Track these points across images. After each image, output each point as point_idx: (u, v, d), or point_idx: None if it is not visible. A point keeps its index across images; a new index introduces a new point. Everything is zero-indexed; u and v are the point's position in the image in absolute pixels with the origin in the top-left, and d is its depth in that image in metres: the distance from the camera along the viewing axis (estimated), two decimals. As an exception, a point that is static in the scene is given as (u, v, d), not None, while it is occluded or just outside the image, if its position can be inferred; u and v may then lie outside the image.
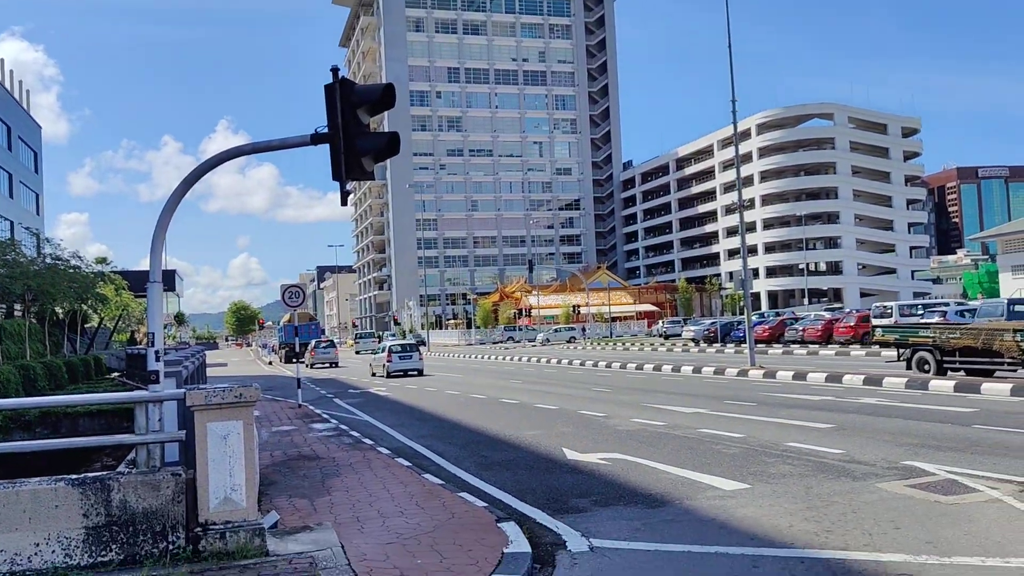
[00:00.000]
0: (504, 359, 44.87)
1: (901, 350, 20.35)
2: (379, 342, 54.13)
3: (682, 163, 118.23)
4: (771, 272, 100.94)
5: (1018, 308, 30.94)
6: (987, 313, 31.49)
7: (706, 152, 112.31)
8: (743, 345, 42.07)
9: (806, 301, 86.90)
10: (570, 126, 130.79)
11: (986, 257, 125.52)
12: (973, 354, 17.97)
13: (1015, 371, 17.54)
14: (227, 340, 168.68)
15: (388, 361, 33.52)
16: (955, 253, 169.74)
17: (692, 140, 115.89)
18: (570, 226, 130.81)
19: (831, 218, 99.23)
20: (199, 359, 18.46)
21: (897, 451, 10.06)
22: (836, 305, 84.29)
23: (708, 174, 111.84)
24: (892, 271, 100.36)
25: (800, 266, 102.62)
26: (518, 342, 74.39)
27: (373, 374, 35.20)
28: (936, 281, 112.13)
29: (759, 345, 43.04)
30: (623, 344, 53.72)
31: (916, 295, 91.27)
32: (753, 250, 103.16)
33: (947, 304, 36.15)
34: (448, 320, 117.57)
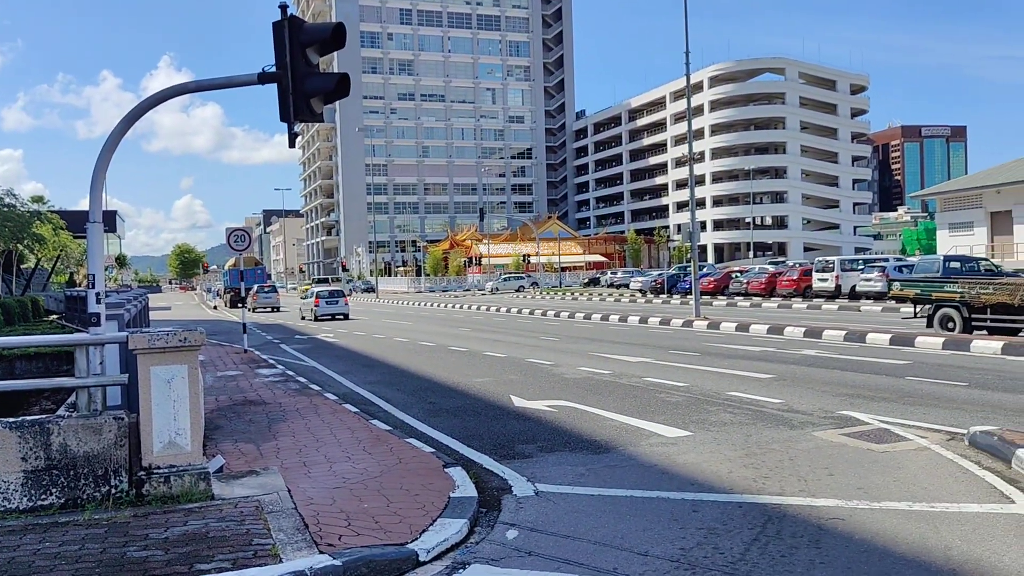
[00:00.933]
0: (454, 307, 44.91)
1: (919, 306, 19.17)
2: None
3: (634, 114, 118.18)
4: (718, 225, 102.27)
5: (952, 264, 31.94)
6: (923, 269, 32.38)
7: (658, 104, 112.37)
8: (689, 296, 42.71)
9: (751, 255, 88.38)
10: (524, 73, 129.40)
11: (926, 215, 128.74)
12: (1009, 312, 16.50)
13: None
14: (171, 284, 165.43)
15: (316, 305, 36.32)
16: (896, 210, 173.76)
17: (645, 91, 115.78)
18: (522, 175, 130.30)
19: (779, 173, 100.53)
20: (142, 302, 18.07)
21: (833, 401, 10.40)
22: (780, 259, 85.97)
23: (660, 126, 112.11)
24: (835, 227, 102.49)
25: (747, 220, 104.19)
26: (467, 290, 74.48)
27: (303, 318, 37.72)
28: (877, 237, 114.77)
29: (705, 297, 43.75)
30: (572, 294, 54.12)
31: (857, 250, 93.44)
32: (701, 203, 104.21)
33: (887, 260, 37.09)
34: (398, 267, 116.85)
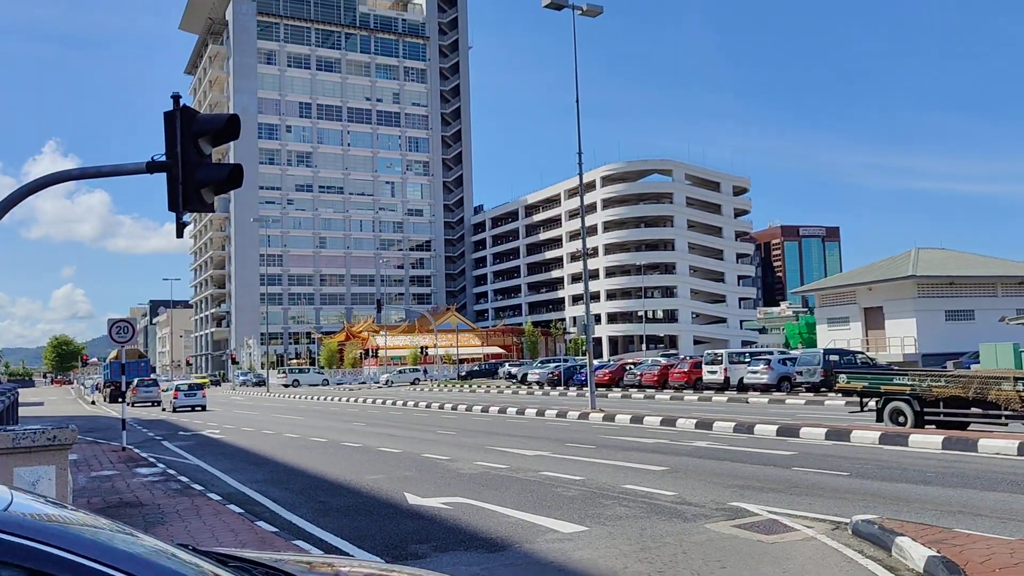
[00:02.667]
0: (348, 400, 43.86)
1: (867, 399, 18.47)
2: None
3: (531, 210, 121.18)
4: (612, 318, 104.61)
5: (832, 357, 33.53)
6: (806, 362, 33.93)
7: (554, 201, 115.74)
8: (585, 388, 43.17)
9: (643, 347, 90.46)
10: (423, 168, 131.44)
11: (806, 310, 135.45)
12: (962, 405, 16.26)
13: (1006, 424, 16.00)
14: (45, 377, 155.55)
15: (175, 398, 37.74)
16: (779, 305, 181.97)
17: (541, 188, 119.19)
18: (421, 267, 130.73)
19: (669, 268, 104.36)
20: (9, 397, 16.90)
21: (725, 492, 10.56)
22: (671, 351, 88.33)
23: (555, 222, 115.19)
24: (723, 320, 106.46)
25: (639, 313, 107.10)
26: (363, 383, 73.27)
27: (163, 409, 39.57)
28: (762, 331, 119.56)
29: (600, 389, 44.33)
30: (469, 386, 53.83)
31: (744, 343, 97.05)
32: (596, 297, 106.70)
33: (771, 352, 38.62)
34: (291, 359, 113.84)
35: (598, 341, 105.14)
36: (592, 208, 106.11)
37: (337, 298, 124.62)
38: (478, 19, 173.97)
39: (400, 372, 72.19)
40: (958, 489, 10.45)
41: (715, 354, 37.81)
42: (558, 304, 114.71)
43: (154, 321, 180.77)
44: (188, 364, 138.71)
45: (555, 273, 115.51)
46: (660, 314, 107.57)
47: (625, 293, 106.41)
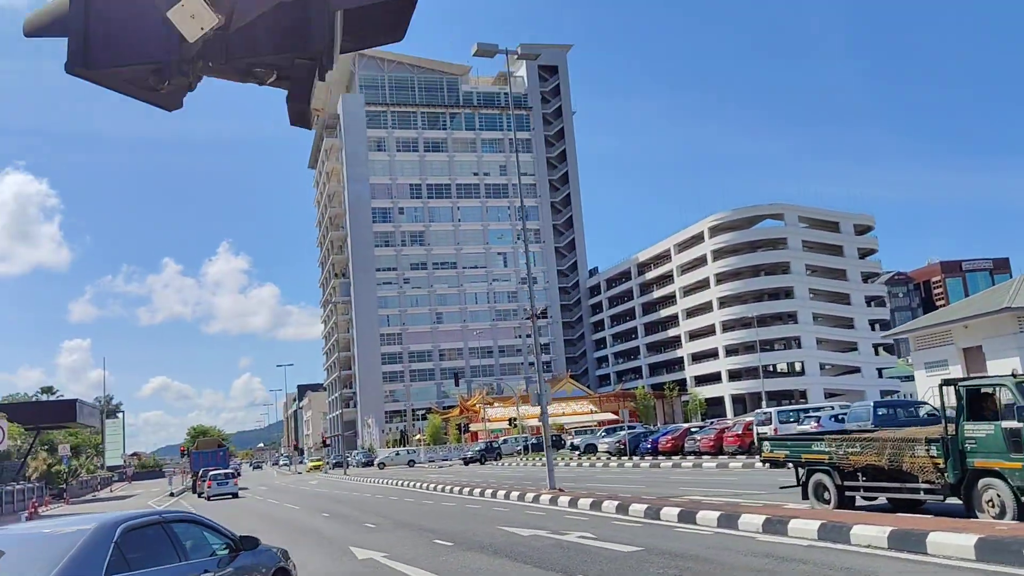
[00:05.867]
0: (382, 483, 42.39)
1: (800, 470, 15.16)
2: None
3: (643, 268, 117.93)
4: (734, 375, 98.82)
5: (881, 411, 29.08)
6: (856, 417, 29.66)
7: (664, 257, 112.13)
8: (659, 457, 40.01)
9: (763, 404, 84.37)
10: (534, 236, 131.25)
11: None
12: (881, 476, 13.20)
13: (924, 501, 13.14)
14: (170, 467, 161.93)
15: (208, 487, 39.86)
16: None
17: (651, 245, 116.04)
18: (538, 335, 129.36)
19: (790, 318, 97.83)
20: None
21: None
22: (800, 406, 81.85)
23: (667, 278, 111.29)
24: (856, 370, 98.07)
25: (765, 368, 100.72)
26: (446, 461, 72.64)
27: (198, 495, 42.66)
28: (909, 378, 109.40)
29: (660, 457, 40.98)
30: (532, 460, 51.44)
31: (883, 393, 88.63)
32: (714, 354, 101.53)
33: (831, 408, 34.33)
34: (415, 436, 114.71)
35: (719, 400, 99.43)
36: (702, 261, 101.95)
37: (457, 372, 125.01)
38: (580, 83, 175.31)
39: (397, 454, 72.63)
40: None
41: (765, 413, 33.90)
42: (677, 364, 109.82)
43: (300, 405, 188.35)
44: (325, 444, 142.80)
45: (671, 332, 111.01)
46: (784, 368, 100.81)
47: (748, 348, 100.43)
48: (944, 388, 12.99)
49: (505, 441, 69.63)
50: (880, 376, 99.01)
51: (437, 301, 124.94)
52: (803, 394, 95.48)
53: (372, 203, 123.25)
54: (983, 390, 11.68)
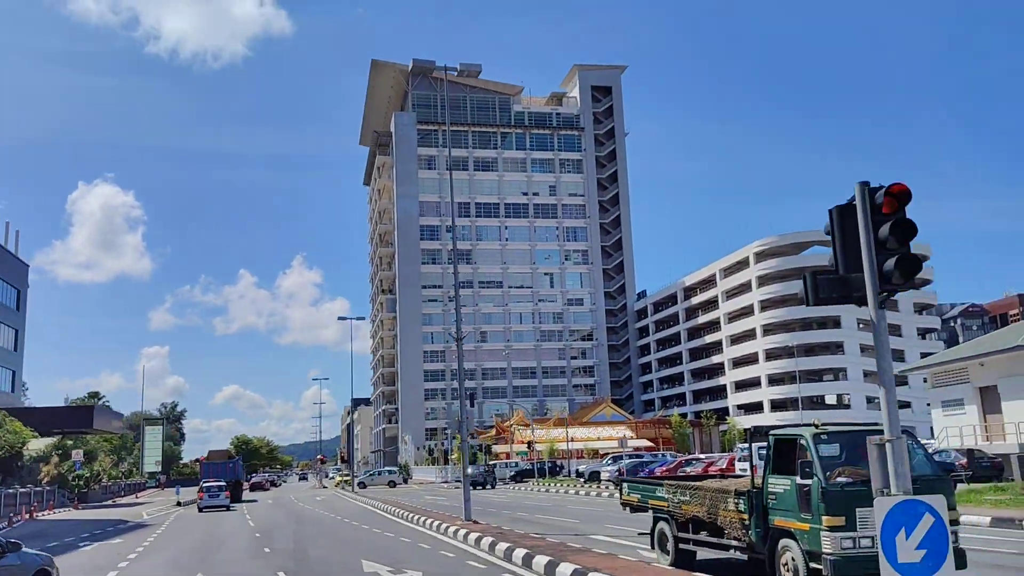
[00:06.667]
0: (367, 504, 41.91)
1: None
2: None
3: (689, 292, 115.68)
4: (777, 405, 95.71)
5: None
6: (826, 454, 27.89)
7: (709, 282, 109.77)
8: None
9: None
10: (582, 257, 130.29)
11: None
12: (704, 528, 12.32)
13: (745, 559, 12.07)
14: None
15: (200, 498, 39.79)
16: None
17: (697, 269, 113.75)
18: (583, 357, 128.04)
19: (837, 348, 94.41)
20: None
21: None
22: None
23: (713, 304, 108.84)
24: (907, 405, 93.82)
25: (811, 398, 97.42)
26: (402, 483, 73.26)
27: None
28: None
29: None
30: (544, 486, 50.34)
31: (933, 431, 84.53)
32: (756, 383, 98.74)
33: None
34: (452, 455, 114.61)
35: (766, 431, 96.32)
36: (747, 287, 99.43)
37: (500, 392, 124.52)
38: (634, 104, 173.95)
39: (378, 473, 72.73)
40: None
41: (745, 448, 32.41)
42: (720, 392, 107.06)
43: (352, 418, 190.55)
44: (343, 460, 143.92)
45: (715, 359, 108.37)
46: (832, 400, 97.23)
47: (794, 378, 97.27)
48: (754, 436, 12.00)
49: (506, 465, 68.96)
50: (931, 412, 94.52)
51: (482, 320, 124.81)
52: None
53: (420, 220, 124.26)
54: (788, 441, 10.68)
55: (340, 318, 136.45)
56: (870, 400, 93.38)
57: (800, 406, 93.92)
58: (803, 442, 10.15)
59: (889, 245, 6.87)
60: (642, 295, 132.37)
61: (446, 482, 76.68)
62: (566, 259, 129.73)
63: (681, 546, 12.68)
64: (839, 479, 9.51)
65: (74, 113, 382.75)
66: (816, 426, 10.45)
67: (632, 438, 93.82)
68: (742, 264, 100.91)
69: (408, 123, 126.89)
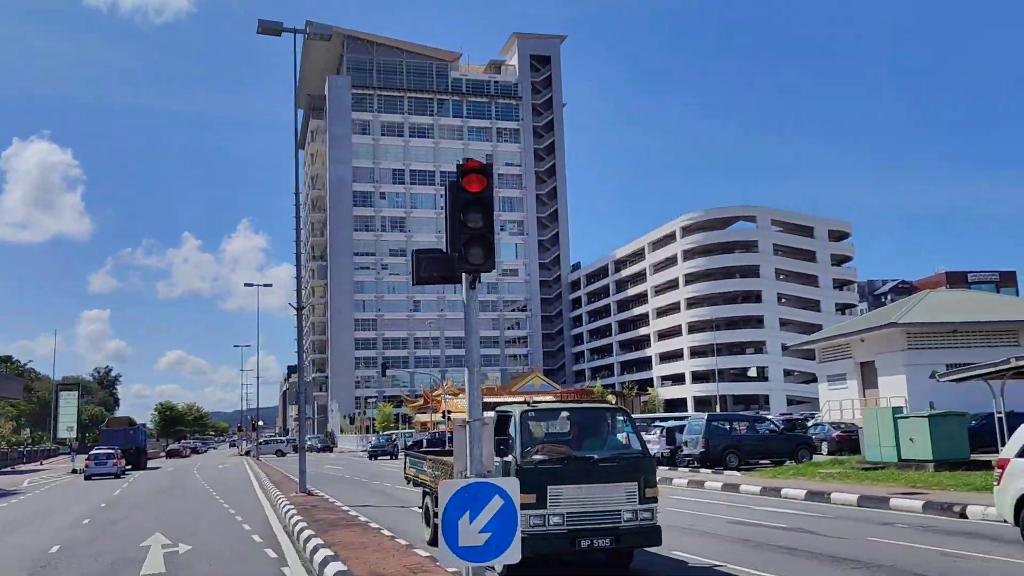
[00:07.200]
0: (247, 470, 41.51)
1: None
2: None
3: (619, 265, 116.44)
4: (699, 377, 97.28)
5: (716, 424, 27.96)
6: (691, 431, 28.51)
7: (639, 255, 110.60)
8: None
9: (717, 407, 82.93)
10: (517, 227, 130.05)
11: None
12: None
13: None
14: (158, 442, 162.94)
15: (86, 466, 39.92)
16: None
17: (629, 242, 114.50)
18: (517, 328, 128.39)
19: (758, 322, 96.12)
20: None
21: None
22: (763, 412, 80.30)
23: (641, 277, 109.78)
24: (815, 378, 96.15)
25: (731, 371, 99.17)
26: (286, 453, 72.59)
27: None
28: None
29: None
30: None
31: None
32: (680, 355, 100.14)
33: (674, 420, 33.13)
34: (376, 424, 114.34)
35: (683, 402, 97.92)
36: (673, 261, 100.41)
37: (433, 361, 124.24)
38: (573, 75, 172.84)
39: (265, 443, 72.66)
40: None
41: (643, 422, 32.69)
42: (647, 363, 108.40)
43: (286, 387, 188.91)
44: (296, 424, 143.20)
45: (642, 331, 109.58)
46: (753, 372, 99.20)
47: (717, 350, 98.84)
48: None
49: (410, 435, 69.14)
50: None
51: (415, 289, 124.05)
52: (767, 399, 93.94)
53: (353, 186, 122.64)
54: (506, 418, 10.60)
55: (247, 284, 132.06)
56: (788, 373, 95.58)
57: (719, 378, 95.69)
58: (514, 419, 10.05)
59: (471, 223, 6.79)
60: (576, 267, 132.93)
61: (365, 451, 76.45)
62: (501, 229, 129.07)
63: (436, 521, 12.57)
64: (535, 456, 9.43)
65: (7, 67, 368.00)
66: (528, 404, 10.36)
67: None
68: (669, 238, 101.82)
69: (342, 86, 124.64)
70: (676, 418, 33.50)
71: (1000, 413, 25.26)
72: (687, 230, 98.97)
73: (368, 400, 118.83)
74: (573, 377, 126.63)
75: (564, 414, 10.61)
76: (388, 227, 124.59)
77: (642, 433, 30.34)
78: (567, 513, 9.04)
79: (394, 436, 64.99)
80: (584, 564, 10.46)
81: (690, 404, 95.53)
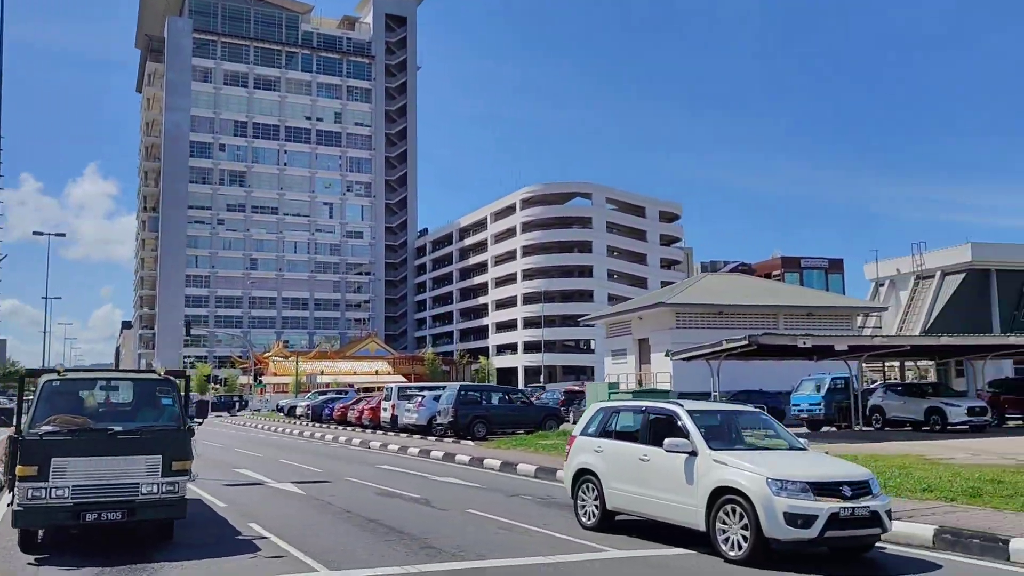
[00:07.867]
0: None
1: None
2: None
3: (464, 233, 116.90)
4: (531, 347, 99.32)
5: (467, 394, 28.42)
6: (446, 400, 28.86)
7: (482, 224, 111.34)
8: (332, 426, 38.75)
9: (543, 378, 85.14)
10: (364, 189, 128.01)
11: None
12: None
13: None
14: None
15: None
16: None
17: (473, 211, 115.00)
18: (359, 292, 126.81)
19: (589, 296, 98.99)
20: None
21: None
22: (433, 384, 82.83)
23: (483, 246, 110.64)
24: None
25: (564, 342, 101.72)
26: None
27: None
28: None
29: (329, 425, 39.93)
30: (246, 420, 49.50)
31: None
32: (513, 325, 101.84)
33: (435, 389, 33.60)
34: (214, 386, 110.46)
35: (514, 371, 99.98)
36: (512, 232, 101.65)
37: (269, 322, 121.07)
38: (428, 39, 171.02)
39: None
40: None
41: (388, 390, 32.95)
42: (484, 332, 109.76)
43: (119, 343, 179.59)
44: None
45: (481, 300, 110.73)
46: (584, 345, 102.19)
47: (550, 321, 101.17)
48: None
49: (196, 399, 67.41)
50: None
51: (253, 246, 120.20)
52: (593, 371, 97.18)
53: (191, 136, 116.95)
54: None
55: (35, 232, 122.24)
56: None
57: (552, 349, 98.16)
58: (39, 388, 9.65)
59: None
60: (423, 233, 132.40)
61: None
62: (348, 190, 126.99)
63: None
64: (43, 428, 9.09)
65: None
66: (59, 372, 9.98)
67: (389, 373, 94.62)
68: (510, 209, 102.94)
69: (183, 30, 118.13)
70: (430, 388, 33.88)
71: (716, 392, 27.08)
72: (527, 202, 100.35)
73: (196, 361, 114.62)
74: (415, 343, 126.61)
75: (100, 383, 10.31)
76: (227, 181, 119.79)
77: (403, 402, 30.37)
78: (73, 486, 8.80)
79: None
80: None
81: (520, 374, 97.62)
